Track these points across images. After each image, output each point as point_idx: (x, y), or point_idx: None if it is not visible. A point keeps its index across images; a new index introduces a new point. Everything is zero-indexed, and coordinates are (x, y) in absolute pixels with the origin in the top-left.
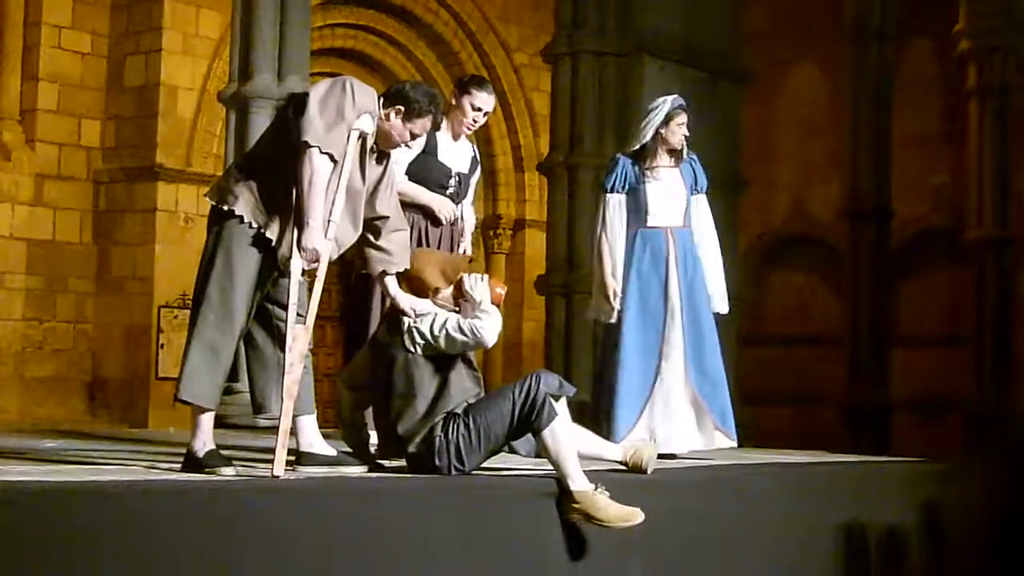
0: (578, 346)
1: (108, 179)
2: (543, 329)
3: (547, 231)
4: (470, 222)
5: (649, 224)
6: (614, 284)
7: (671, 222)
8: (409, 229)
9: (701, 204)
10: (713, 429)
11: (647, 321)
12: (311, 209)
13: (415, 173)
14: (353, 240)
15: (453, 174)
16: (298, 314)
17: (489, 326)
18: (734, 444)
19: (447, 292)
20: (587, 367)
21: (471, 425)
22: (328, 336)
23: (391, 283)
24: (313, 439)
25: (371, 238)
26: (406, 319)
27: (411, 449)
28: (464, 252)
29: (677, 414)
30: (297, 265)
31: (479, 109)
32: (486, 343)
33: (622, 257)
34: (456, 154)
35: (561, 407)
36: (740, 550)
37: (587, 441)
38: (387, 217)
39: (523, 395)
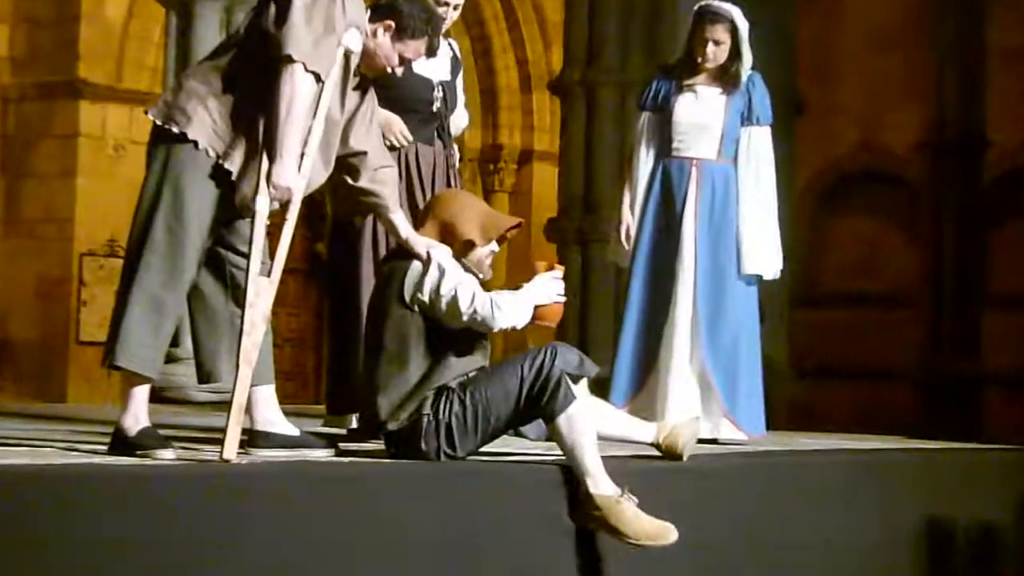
0: (597, 304)
1: (18, 97)
2: None
3: (559, 164)
4: (459, 126)
5: (673, 153)
6: (628, 220)
7: (701, 153)
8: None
9: (757, 140)
10: (720, 416)
11: (657, 273)
12: (286, 138)
13: (391, 91)
14: (322, 180)
15: (435, 84)
16: (236, 264)
17: (509, 313)
18: (744, 438)
19: (480, 253)
20: (607, 330)
21: (467, 402)
22: (290, 292)
23: (401, 221)
24: (272, 416)
25: (348, 179)
26: (413, 264)
27: (391, 426)
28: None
29: (674, 390)
30: (264, 205)
31: (446, 3)
32: (493, 326)
33: (643, 188)
34: (433, 59)
35: (581, 389)
36: (793, 555)
37: (612, 419)
38: (363, 153)
39: (534, 371)
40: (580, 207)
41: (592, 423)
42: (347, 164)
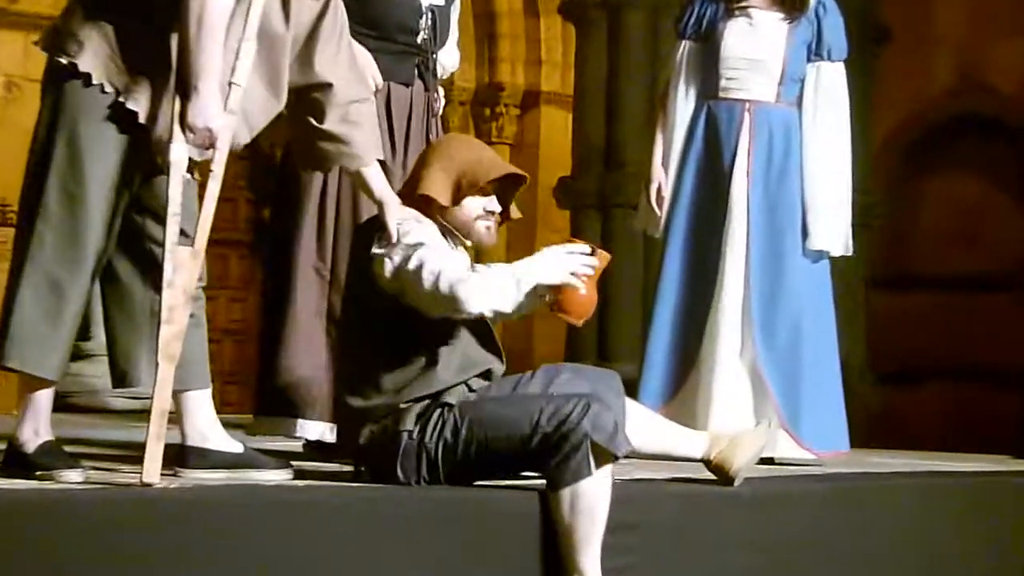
0: (622, 286)
1: None
2: None
3: (574, 109)
4: (447, 66)
5: (721, 93)
6: (660, 179)
7: (755, 94)
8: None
9: (827, 79)
10: (778, 428)
11: (698, 246)
12: (201, 63)
13: (364, 12)
14: (272, 115)
15: (424, 9)
16: (182, 232)
17: (486, 292)
18: (809, 457)
19: (459, 215)
20: (634, 319)
21: (462, 431)
22: (232, 271)
23: (376, 177)
24: (207, 428)
25: (312, 120)
26: (384, 240)
27: (363, 439)
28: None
29: (720, 394)
30: (180, 154)
31: None
32: (464, 309)
33: (681, 136)
34: None
35: (602, 473)
36: None
37: (652, 430)
38: (329, 85)
39: (554, 423)
40: (600, 163)
41: (603, 508)
42: (309, 100)
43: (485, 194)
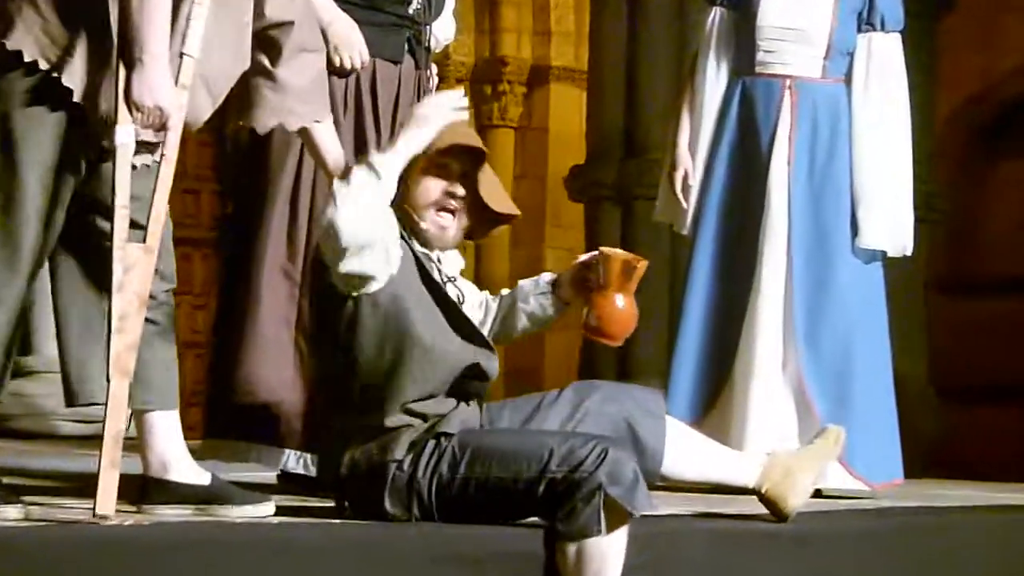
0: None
1: None
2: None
3: (589, 86)
4: (440, 39)
5: (758, 68)
6: (687, 166)
7: (798, 69)
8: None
9: (881, 51)
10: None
11: (732, 243)
12: (145, 34)
13: None
14: (235, 79)
15: None
16: (133, 223)
17: (341, 199)
18: (863, 488)
19: (418, 196)
20: (659, 326)
21: (461, 467)
22: (195, 274)
23: (326, 138)
24: (172, 456)
25: (265, 62)
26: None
27: (344, 468)
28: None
29: (757, 413)
30: (126, 137)
31: None
32: (337, 227)
33: (712, 118)
34: None
35: (616, 533)
36: None
37: (698, 451)
38: (288, 24)
39: (567, 467)
40: (619, 149)
41: (612, 570)
42: (264, 37)
43: (446, 176)
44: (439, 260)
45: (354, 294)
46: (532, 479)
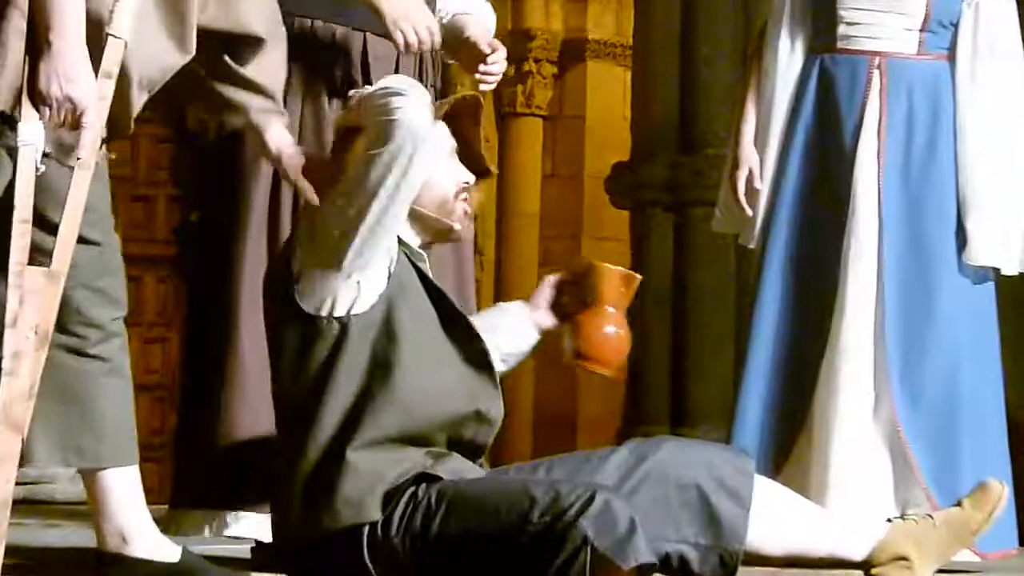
0: (701, 316)
1: None
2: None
3: (635, 65)
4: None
5: (840, 44)
6: (752, 161)
7: (888, 44)
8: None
9: (991, 20)
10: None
11: (808, 259)
12: (57, 10)
13: None
14: (175, 69)
15: None
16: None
17: (412, 101)
18: (973, 560)
19: (440, 189)
20: (720, 363)
21: (435, 521)
22: (147, 300)
23: (276, 136)
24: (132, 525)
25: (229, 62)
26: (298, 231)
27: (326, 522)
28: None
29: (841, 466)
30: (34, 135)
31: None
32: (413, 136)
33: (784, 105)
34: None
35: None
36: None
37: (797, 518)
38: (259, 40)
39: (547, 518)
40: (671, 142)
41: None
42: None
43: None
44: (423, 258)
45: (349, 277)
46: (511, 533)
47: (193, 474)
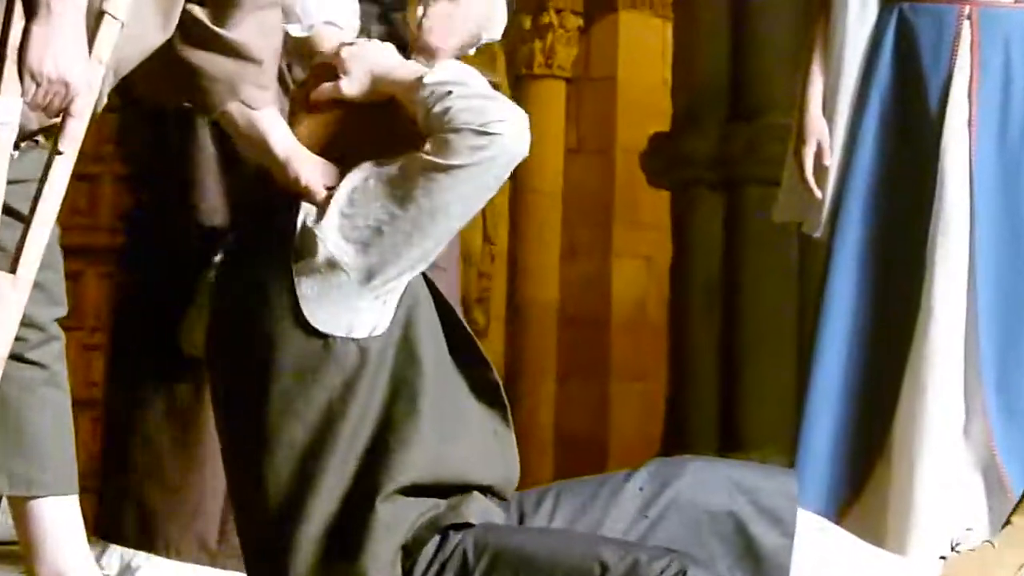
0: (758, 320)
1: None
2: (661, 280)
3: (676, 17)
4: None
5: None
6: (819, 131)
7: None
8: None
9: None
10: None
11: (889, 244)
12: None
13: None
14: (152, 49)
15: None
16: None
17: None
18: None
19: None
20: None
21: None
22: (88, 299)
23: (272, 124)
24: (70, 563)
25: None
26: (300, 228)
27: None
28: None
29: (927, 492)
30: (10, 114)
31: None
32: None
33: (856, 65)
34: None
35: None
36: None
37: (838, 561)
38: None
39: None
40: (720, 109)
41: None
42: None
43: None
44: None
45: (376, 298)
46: None
47: (117, 508)
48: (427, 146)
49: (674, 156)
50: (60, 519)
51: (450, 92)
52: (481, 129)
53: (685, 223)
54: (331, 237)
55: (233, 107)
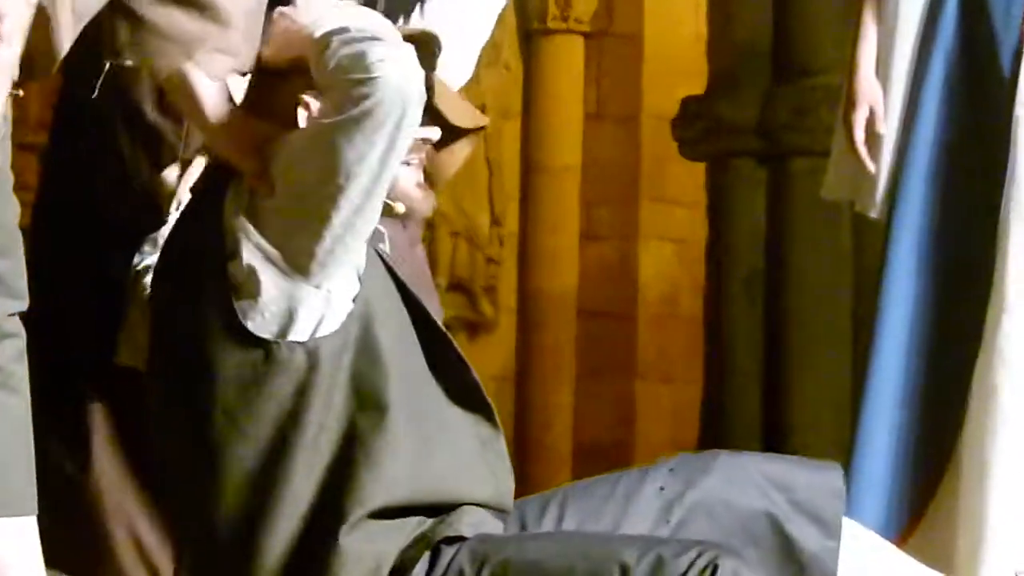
0: (806, 309)
1: None
2: (694, 266)
3: None
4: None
5: None
6: (871, 97)
7: None
8: None
9: None
10: None
11: (954, 227)
12: None
13: None
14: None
15: None
16: None
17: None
18: None
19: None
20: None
21: None
22: None
23: (202, 86)
24: None
25: None
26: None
27: None
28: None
29: (999, 513)
30: None
31: None
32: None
33: (914, 23)
34: None
35: None
36: None
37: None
38: None
39: None
40: (762, 69)
41: None
42: None
43: None
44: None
45: (318, 288)
46: None
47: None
48: (320, 107)
49: (710, 123)
50: (15, 543)
51: (329, 43)
52: (360, 77)
53: (722, 200)
54: (251, 227)
55: (183, 69)
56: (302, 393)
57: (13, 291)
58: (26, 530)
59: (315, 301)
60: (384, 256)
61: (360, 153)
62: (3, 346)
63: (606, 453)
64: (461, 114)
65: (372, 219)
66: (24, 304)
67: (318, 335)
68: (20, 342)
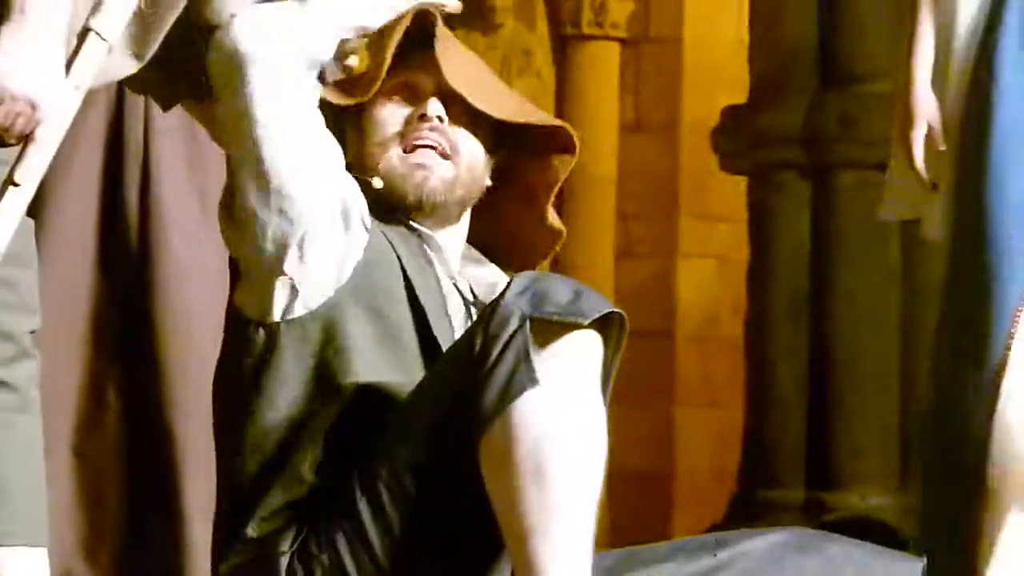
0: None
1: None
2: (736, 285)
3: None
4: None
5: None
6: (927, 109)
7: None
8: None
9: None
10: None
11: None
12: None
13: None
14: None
15: None
16: None
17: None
18: None
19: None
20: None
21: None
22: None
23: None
24: None
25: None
26: None
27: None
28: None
29: None
30: None
31: None
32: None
33: (970, 28)
34: None
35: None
36: None
37: None
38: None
39: (487, 336)
40: (808, 76)
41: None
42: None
43: (408, 97)
44: (439, 248)
45: (271, 319)
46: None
47: None
48: None
49: (752, 134)
50: (25, 573)
51: None
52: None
53: (766, 215)
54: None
55: None
56: (260, 369)
57: (30, 307)
58: (39, 560)
59: (280, 287)
60: (407, 253)
61: (235, 129)
62: (21, 367)
63: (643, 480)
64: (501, 104)
65: (302, 195)
66: (39, 321)
67: (284, 320)
68: (35, 365)
